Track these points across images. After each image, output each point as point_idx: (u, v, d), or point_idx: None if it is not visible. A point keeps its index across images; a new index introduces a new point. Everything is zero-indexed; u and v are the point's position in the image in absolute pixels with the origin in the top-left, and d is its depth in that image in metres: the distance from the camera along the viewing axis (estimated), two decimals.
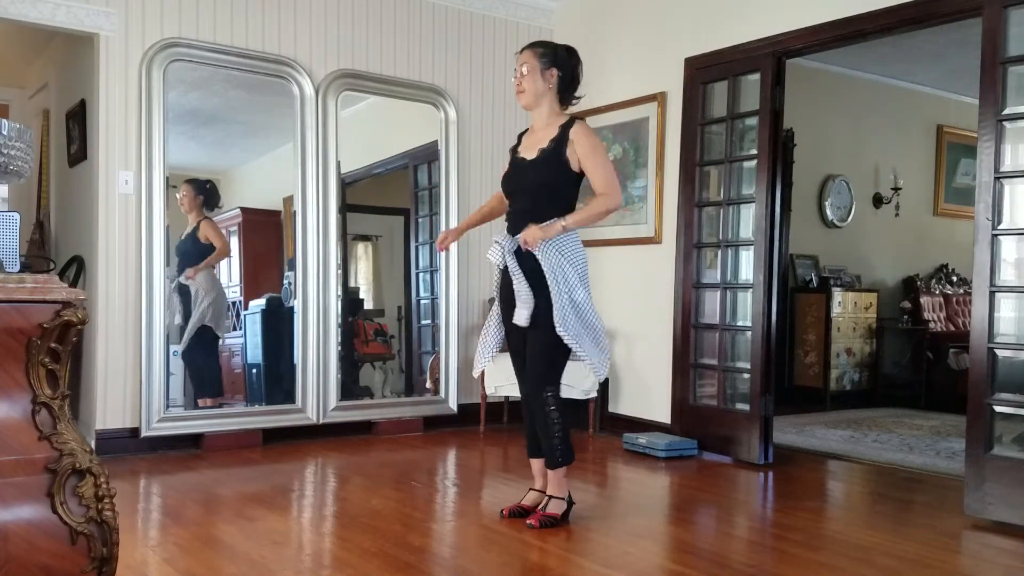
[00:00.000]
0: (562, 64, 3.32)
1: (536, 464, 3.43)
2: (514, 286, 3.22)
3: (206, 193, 4.89)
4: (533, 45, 3.36)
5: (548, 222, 3.19)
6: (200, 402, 4.79)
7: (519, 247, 3.22)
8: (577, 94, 3.40)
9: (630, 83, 5.37)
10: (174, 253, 4.72)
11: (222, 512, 3.49)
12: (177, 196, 4.78)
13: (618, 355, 5.45)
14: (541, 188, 3.26)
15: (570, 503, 3.33)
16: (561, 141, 3.24)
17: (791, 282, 7.07)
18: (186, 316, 4.78)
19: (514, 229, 3.28)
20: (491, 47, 5.77)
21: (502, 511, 3.39)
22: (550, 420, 3.24)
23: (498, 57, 5.78)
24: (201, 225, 4.87)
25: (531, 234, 3.15)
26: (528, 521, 3.23)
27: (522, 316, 3.20)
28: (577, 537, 3.22)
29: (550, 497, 3.30)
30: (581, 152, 3.23)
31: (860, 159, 7.58)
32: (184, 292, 4.78)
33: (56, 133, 5.75)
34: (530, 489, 3.48)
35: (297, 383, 4.98)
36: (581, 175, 3.29)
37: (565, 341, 3.17)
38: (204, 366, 4.87)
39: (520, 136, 3.48)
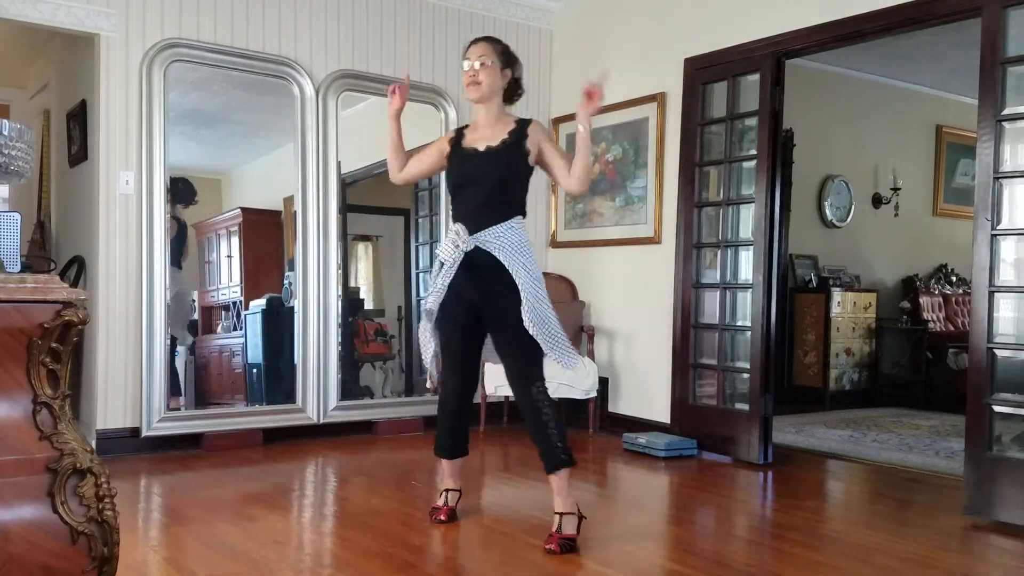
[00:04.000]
0: (514, 67, 3.27)
1: (448, 465, 3.39)
2: (464, 289, 3.14)
3: (177, 192, 4.74)
4: (491, 40, 3.27)
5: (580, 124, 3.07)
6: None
7: (476, 246, 3.10)
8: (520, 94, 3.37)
9: (630, 83, 5.37)
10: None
11: (222, 512, 3.49)
12: None
13: (618, 355, 5.46)
14: (501, 180, 3.15)
15: (580, 517, 3.10)
16: (520, 135, 3.17)
17: (790, 282, 7.08)
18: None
19: (472, 225, 3.12)
20: None
21: (436, 516, 3.32)
22: (543, 417, 3.08)
23: None
24: None
25: (590, 111, 3.03)
26: (547, 546, 2.97)
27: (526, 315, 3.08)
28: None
29: (561, 515, 3.04)
30: (538, 141, 3.16)
31: (859, 159, 7.59)
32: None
33: (57, 133, 5.75)
34: (445, 490, 3.41)
35: (297, 383, 4.98)
36: (531, 171, 3.23)
37: (534, 335, 3.04)
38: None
39: (459, 131, 3.33)
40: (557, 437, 3.08)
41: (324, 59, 5.11)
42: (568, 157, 3.19)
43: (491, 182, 3.15)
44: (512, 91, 3.30)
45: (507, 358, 3.17)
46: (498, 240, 3.09)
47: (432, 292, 3.22)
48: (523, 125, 3.21)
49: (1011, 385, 3.53)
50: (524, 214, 3.21)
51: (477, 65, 3.18)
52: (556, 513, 3.06)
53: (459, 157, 3.25)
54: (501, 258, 3.07)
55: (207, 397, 4.91)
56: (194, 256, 4.99)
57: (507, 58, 3.24)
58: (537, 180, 6.22)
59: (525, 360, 3.12)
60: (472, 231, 3.11)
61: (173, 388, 4.69)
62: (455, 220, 3.21)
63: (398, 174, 3.50)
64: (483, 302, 3.14)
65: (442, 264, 3.18)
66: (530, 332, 3.04)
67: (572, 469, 3.10)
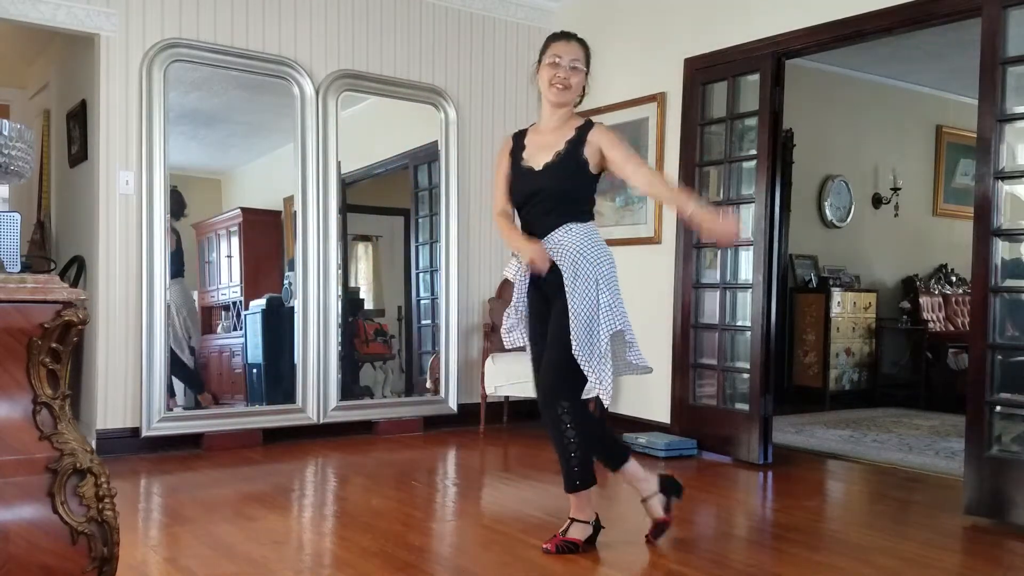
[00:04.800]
0: (589, 69, 3.09)
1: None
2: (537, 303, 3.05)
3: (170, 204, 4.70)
4: (582, 42, 3.08)
5: (703, 209, 2.90)
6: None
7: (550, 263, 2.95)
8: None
9: (630, 83, 5.37)
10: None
11: (222, 512, 3.49)
12: None
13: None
14: (563, 192, 3.00)
15: (597, 527, 3.04)
16: (578, 142, 3.00)
17: (790, 282, 7.08)
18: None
19: (540, 234, 2.99)
20: (491, 47, 5.77)
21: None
22: (565, 439, 2.94)
23: (498, 57, 5.79)
24: None
25: (726, 230, 2.84)
26: (544, 545, 2.96)
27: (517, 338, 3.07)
28: None
29: (572, 520, 3.01)
30: (605, 146, 2.98)
31: (859, 159, 7.59)
32: None
33: (57, 133, 5.75)
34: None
35: (297, 383, 4.98)
36: (597, 177, 3.06)
37: (576, 358, 2.88)
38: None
39: (518, 138, 3.16)
40: (578, 460, 2.95)
41: (324, 59, 5.11)
42: (636, 159, 3.02)
43: (552, 196, 3.00)
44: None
45: (545, 364, 3.01)
46: (559, 245, 2.94)
47: (510, 314, 3.14)
48: (583, 131, 3.02)
49: (1011, 385, 3.53)
50: (591, 217, 3.04)
51: (570, 68, 3.01)
52: (569, 517, 3.03)
53: (518, 175, 3.09)
54: (560, 264, 2.93)
55: (207, 397, 4.91)
56: (192, 256, 4.99)
57: (588, 60, 3.08)
58: None
59: (555, 376, 2.97)
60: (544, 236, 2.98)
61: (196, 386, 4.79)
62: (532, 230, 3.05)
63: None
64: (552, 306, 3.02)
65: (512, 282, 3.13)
66: (575, 355, 2.88)
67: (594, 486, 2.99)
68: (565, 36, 3.08)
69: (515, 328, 3.14)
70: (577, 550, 2.97)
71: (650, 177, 3.11)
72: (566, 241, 2.94)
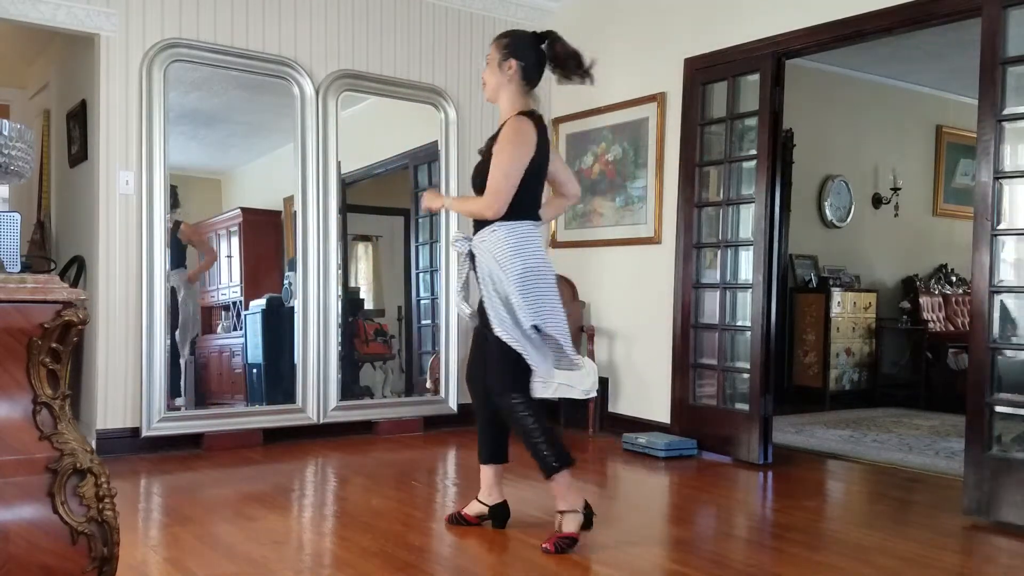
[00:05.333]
0: (522, 53, 3.10)
1: (486, 472, 3.23)
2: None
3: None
4: (499, 35, 3.20)
5: (438, 194, 3.29)
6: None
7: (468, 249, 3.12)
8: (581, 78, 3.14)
9: (630, 83, 5.37)
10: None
11: (222, 512, 3.50)
12: None
13: (618, 355, 5.46)
14: (480, 186, 3.09)
15: (588, 513, 3.07)
16: (494, 139, 3.08)
17: (790, 282, 7.08)
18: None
19: (475, 225, 3.12)
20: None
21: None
22: (526, 428, 2.98)
23: None
24: (183, 227, 4.86)
25: (425, 195, 3.29)
26: (543, 545, 2.95)
27: (464, 310, 3.18)
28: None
29: (562, 513, 3.01)
30: (496, 147, 3.03)
31: (859, 159, 7.59)
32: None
33: (57, 133, 5.75)
34: (475, 499, 3.27)
35: (297, 383, 4.98)
36: (532, 172, 3.05)
37: (509, 344, 2.94)
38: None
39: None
40: (545, 444, 2.98)
41: (324, 59, 5.11)
42: (494, 177, 3.00)
43: (476, 190, 3.13)
44: (530, 77, 3.12)
45: (489, 364, 3.10)
46: (481, 245, 3.05)
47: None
48: (502, 127, 3.09)
49: (1011, 385, 3.53)
50: (522, 217, 3.04)
51: (484, 66, 3.17)
52: (558, 512, 3.04)
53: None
54: (478, 264, 3.06)
55: (207, 397, 4.91)
56: (192, 254, 5.00)
57: (511, 48, 3.11)
58: None
59: (504, 369, 3.02)
60: (476, 231, 3.11)
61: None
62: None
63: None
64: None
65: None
66: (504, 340, 2.95)
67: (572, 468, 3.03)
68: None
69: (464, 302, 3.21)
70: (575, 544, 2.96)
71: (473, 201, 3.12)
72: (485, 243, 3.03)
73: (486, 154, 3.10)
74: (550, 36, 3.16)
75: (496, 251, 3.00)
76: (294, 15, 5.02)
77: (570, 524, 3.00)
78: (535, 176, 3.08)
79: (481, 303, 3.07)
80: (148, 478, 4.06)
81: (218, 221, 5.09)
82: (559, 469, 2.99)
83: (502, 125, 3.10)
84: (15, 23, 4.42)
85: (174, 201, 4.75)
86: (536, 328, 2.98)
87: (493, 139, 3.10)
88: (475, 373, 3.23)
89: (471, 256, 3.10)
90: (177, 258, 4.79)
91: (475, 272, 3.10)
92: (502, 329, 2.96)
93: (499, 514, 3.22)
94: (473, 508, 3.25)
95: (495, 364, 3.05)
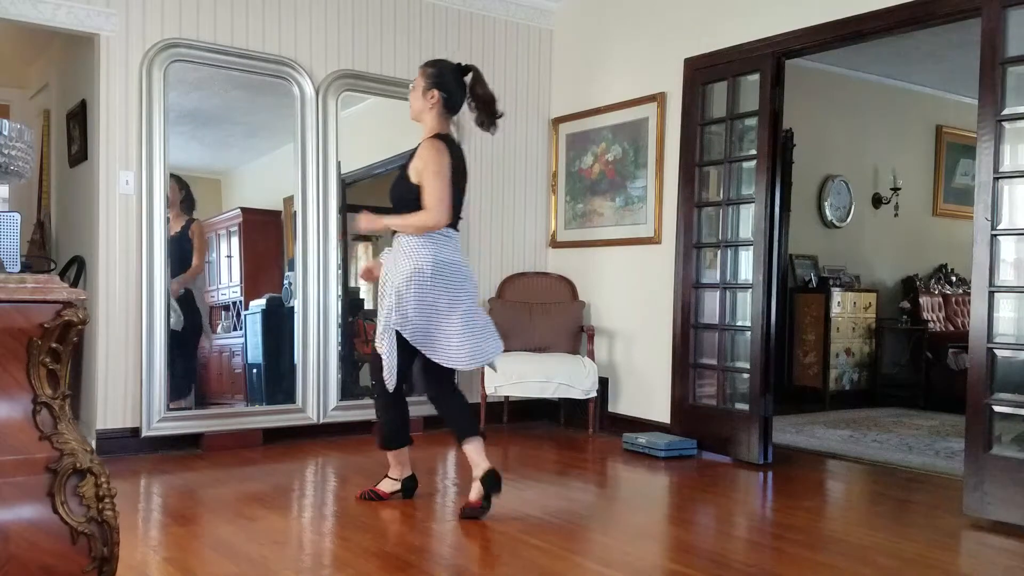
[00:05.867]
0: (445, 85, 3.47)
1: (397, 453, 3.68)
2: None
3: (187, 192, 4.84)
4: (426, 64, 3.57)
5: (376, 216, 3.56)
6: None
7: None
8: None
9: (630, 83, 5.37)
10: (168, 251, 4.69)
11: (222, 512, 3.50)
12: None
13: (618, 355, 5.46)
14: (398, 201, 3.46)
15: (408, 484, 3.67)
16: (410, 158, 3.45)
17: (790, 282, 7.07)
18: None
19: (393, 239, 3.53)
20: (491, 47, 5.77)
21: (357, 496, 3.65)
22: (376, 407, 3.63)
23: (498, 57, 5.79)
24: (194, 226, 4.86)
25: (361, 218, 3.58)
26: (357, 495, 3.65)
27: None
28: (577, 537, 3.22)
29: (386, 476, 3.69)
30: (418, 166, 3.38)
31: (859, 159, 7.59)
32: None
33: (57, 133, 5.75)
34: (387, 477, 3.73)
35: (297, 383, 4.98)
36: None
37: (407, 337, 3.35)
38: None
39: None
40: (378, 424, 3.64)
41: (324, 59, 5.11)
42: (432, 189, 3.34)
43: (394, 204, 3.50)
44: (452, 108, 3.51)
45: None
46: (392, 254, 3.46)
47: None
48: (418, 146, 3.44)
49: (1011, 385, 3.53)
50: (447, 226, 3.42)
51: (410, 88, 3.56)
52: (386, 475, 3.71)
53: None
54: (386, 269, 3.45)
55: (207, 397, 4.91)
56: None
57: (435, 79, 3.48)
58: (538, 181, 6.23)
59: (372, 361, 3.55)
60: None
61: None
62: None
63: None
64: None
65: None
66: (378, 332, 3.44)
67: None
68: None
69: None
70: (381, 499, 3.60)
71: (414, 215, 3.41)
72: (393, 252, 3.46)
73: (404, 172, 3.45)
74: (473, 73, 3.55)
75: (396, 262, 3.41)
76: (294, 15, 5.02)
77: (384, 485, 3.66)
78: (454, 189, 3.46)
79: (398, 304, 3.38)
80: (148, 478, 4.05)
81: (218, 221, 5.08)
82: (381, 447, 3.66)
83: (422, 144, 3.44)
84: (15, 23, 4.42)
85: (191, 203, 4.82)
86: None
87: (410, 156, 3.46)
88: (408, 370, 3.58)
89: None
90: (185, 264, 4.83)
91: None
92: (385, 331, 3.41)
93: (409, 486, 3.71)
94: (387, 485, 3.69)
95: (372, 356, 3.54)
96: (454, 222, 3.45)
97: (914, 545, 3.16)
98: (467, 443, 3.44)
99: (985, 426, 3.52)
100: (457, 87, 3.50)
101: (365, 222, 3.56)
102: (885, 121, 7.67)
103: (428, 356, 3.39)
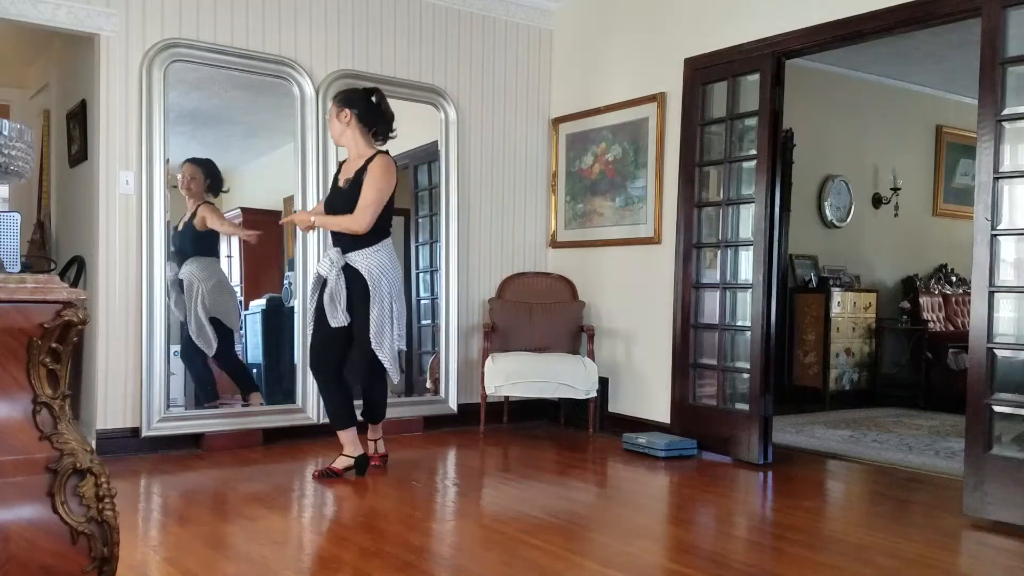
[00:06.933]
0: (354, 103, 3.97)
1: (347, 432, 4.05)
2: (332, 294, 3.87)
3: (213, 176, 4.88)
4: (335, 95, 4.13)
5: (305, 212, 4.35)
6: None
7: (346, 263, 3.89)
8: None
9: (630, 83, 5.37)
10: (170, 244, 4.67)
11: (222, 512, 3.50)
12: (179, 177, 4.74)
13: (618, 355, 5.46)
14: (344, 209, 3.89)
15: (360, 462, 4.03)
16: (363, 171, 3.88)
17: (790, 282, 7.08)
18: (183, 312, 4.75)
19: (342, 246, 3.93)
20: (491, 47, 5.77)
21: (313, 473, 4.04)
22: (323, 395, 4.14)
23: (498, 57, 5.79)
24: (200, 210, 4.84)
25: (297, 217, 4.11)
26: (317, 472, 4.05)
27: (339, 318, 3.89)
28: (577, 537, 3.23)
29: (340, 455, 4.05)
30: (367, 177, 3.85)
31: (859, 159, 7.59)
32: (178, 287, 4.75)
33: (57, 133, 5.75)
34: (342, 455, 4.08)
35: (297, 383, 4.98)
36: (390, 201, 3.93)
37: (372, 341, 3.86)
38: (229, 365, 4.92)
39: (340, 164, 4.17)
40: (328, 409, 4.17)
41: (324, 59, 5.11)
42: (366, 198, 3.84)
43: (338, 212, 3.91)
44: (371, 121, 3.99)
45: (356, 350, 3.97)
46: (365, 261, 3.87)
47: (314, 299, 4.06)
48: (369, 160, 3.89)
49: (1011, 385, 3.53)
50: (388, 235, 3.98)
51: (327, 120, 4.21)
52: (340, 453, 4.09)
53: (332, 191, 4.09)
54: (366, 277, 3.85)
55: (207, 397, 4.90)
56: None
57: (342, 101, 3.99)
58: (538, 181, 6.22)
59: (361, 355, 3.96)
60: (344, 252, 3.89)
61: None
62: (333, 243, 4.01)
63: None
64: (351, 306, 3.91)
65: (319, 277, 4.00)
66: (370, 336, 3.85)
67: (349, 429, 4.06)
68: None
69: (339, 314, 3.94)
70: (336, 476, 3.96)
71: (342, 217, 3.91)
72: (374, 258, 3.89)
73: (352, 184, 3.89)
74: (376, 93, 4.07)
75: (383, 267, 3.89)
76: (294, 15, 5.02)
77: (338, 462, 4.03)
78: (390, 204, 3.97)
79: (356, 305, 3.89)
80: (148, 478, 4.06)
81: None
82: (335, 428, 4.08)
83: (368, 160, 3.90)
84: (15, 23, 4.41)
85: (218, 185, 4.94)
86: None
87: (361, 171, 3.89)
88: (330, 358, 4.01)
89: (344, 269, 3.88)
90: (203, 247, 4.88)
91: (342, 282, 3.88)
92: (375, 333, 3.86)
93: (362, 464, 4.05)
94: (341, 463, 4.04)
95: (362, 353, 3.93)
96: (389, 232, 4.01)
97: (914, 545, 3.16)
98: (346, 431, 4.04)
99: (985, 426, 3.52)
100: (366, 106, 3.98)
101: (299, 219, 4.09)
102: (885, 121, 7.67)
103: (374, 349, 3.86)
